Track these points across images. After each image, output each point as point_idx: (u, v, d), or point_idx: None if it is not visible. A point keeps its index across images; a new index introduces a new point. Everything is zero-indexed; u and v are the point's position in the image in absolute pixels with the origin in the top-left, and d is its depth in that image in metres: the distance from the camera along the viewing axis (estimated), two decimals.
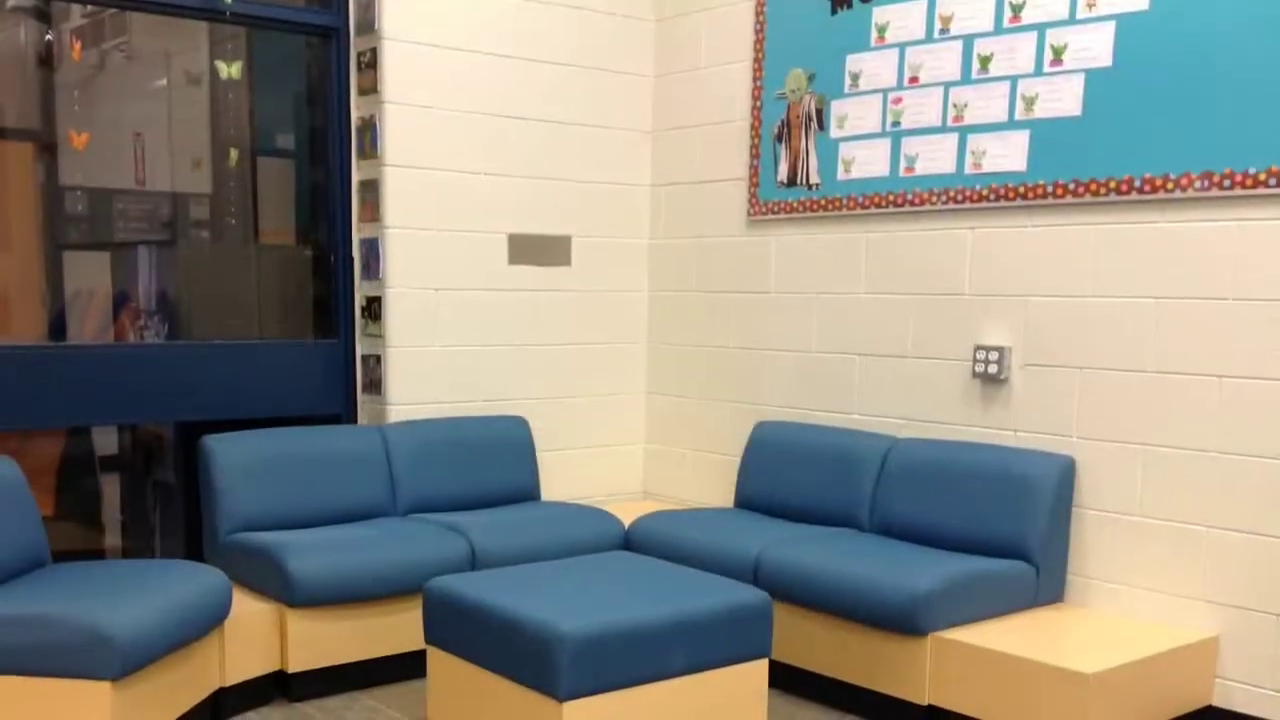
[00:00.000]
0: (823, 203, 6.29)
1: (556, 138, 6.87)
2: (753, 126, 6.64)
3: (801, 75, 6.37)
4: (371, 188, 6.30)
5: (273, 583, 5.20)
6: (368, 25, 6.22)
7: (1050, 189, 5.36)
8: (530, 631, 4.06)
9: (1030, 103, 5.43)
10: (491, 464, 6.39)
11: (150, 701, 4.42)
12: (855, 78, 6.12)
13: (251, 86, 6.90)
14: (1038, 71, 5.39)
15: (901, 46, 5.91)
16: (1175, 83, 4.95)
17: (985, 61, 5.57)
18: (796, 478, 6.12)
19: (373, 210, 6.30)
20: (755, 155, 6.63)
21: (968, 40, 5.64)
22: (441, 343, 6.50)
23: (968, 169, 5.66)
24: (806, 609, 5.29)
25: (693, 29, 7.00)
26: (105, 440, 6.97)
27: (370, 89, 6.26)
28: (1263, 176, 4.71)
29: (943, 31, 5.74)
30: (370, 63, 6.24)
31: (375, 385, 6.38)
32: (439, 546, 5.52)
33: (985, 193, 5.59)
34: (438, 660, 4.57)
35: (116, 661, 4.15)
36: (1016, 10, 5.44)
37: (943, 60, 5.75)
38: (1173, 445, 5.03)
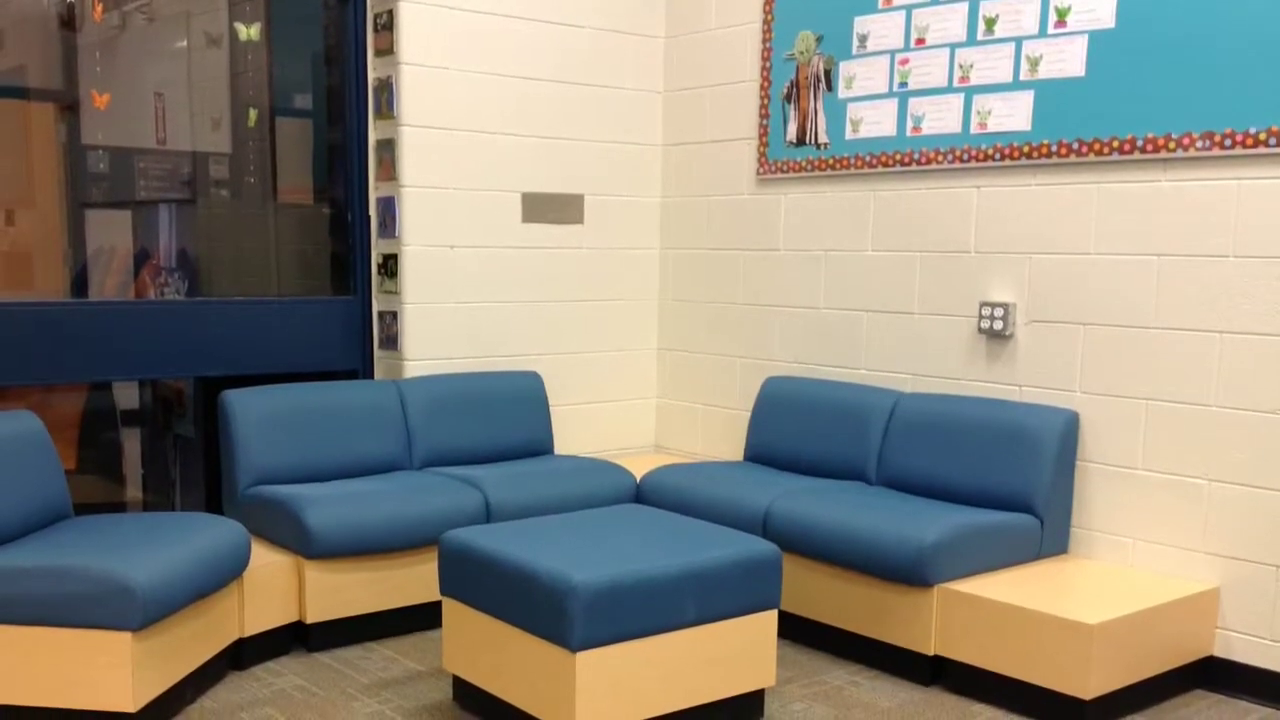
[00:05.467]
0: (831, 162, 6.22)
1: (569, 98, 6.79)
2: (762, 87, 6.56)
3: (810, 37, 6.29)
4: (388, 147, 6.23)
5: (291, 535, 5.16)
6: None
7: (1054, 148, 5.30)
8: (544, 583, 4.01)
9: (1035, 64, 5.35)
10: (506, 418, 6.34)
11: (171, 652, 4.38)
12: (863, 39, 6.04)
13: (270, 48, 6.84)
14: (1042, 33, 5.32)
15: (908, 8, 5.82)
16: (1177, 44, 4.88)
17: (990, 23, 5.49)
18: (805, 432, 6.07)
19: (389, 169, 6.24)
20: (764, 115, 6.56)
21: (973, 2, 5.55)
22: (456, 299, 6.43)
23: (973, 129, 5.59)
24: (815, 561, 5.24)
25: None
26: (126, 395, 6.93)
27: (387, 50, 6.18)
28: (1263, 136, 4.66)
29: None
30: (387, 24, 6.16)
31: (391, 341, 6.32)
32: (454, 499, 5.47)
33: (990, 152, 5.52)
34: (453, 611, 4.52)
35: (137, 612, 4.09)
36: None
37: (949, 22, 5.67)
38: (1174, 400, 4.97)
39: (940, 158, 5.73)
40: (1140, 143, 5.01)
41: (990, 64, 5.52)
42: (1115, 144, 5.09)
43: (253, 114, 6.96)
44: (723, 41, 6.81)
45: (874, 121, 6.02)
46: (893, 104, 5.94)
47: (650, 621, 4.09)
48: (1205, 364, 4.88)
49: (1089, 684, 4.40)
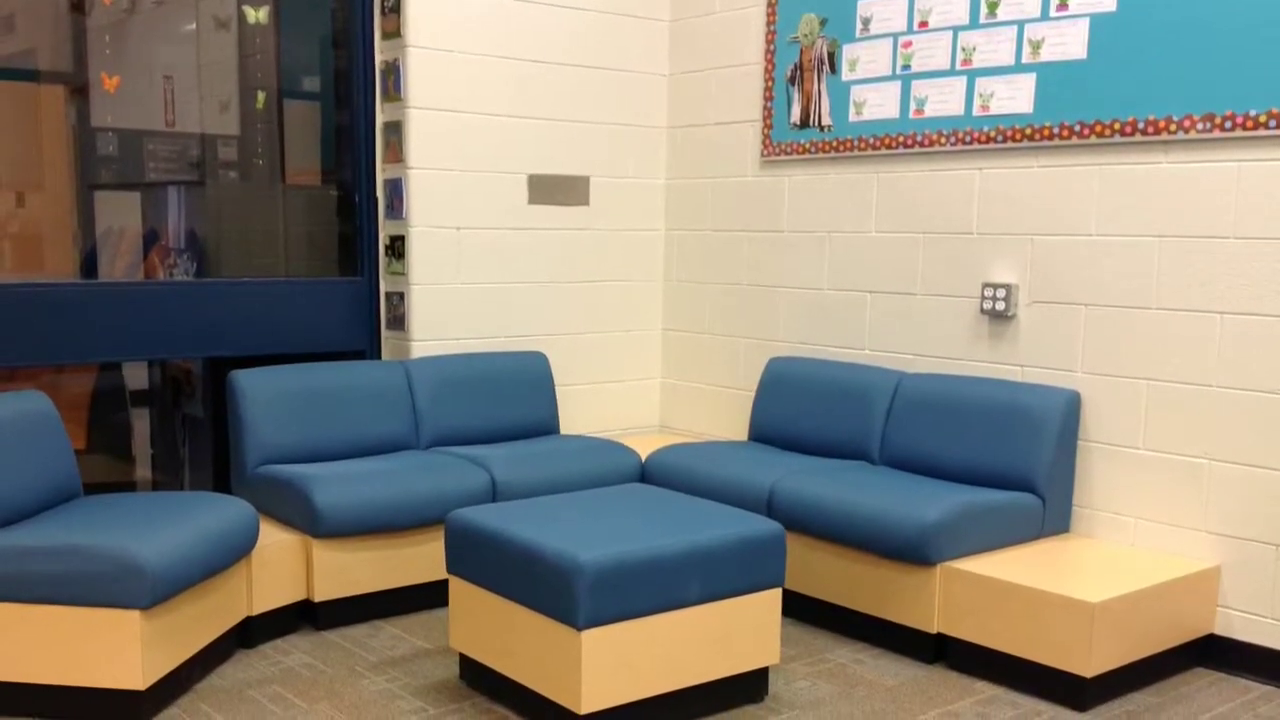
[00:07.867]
0: (834, 144, 6.18)
1: (575, 80, 6.75)
2: (766, 70, 6.52)
3: (814, 20, 6.24)
4: (395, 129, 6.19)
5: (299, 514, 5.13)
6: None
7: (1056, 130, 5.26)
8: (550, 561, 3.98)
9: (1036, 46, 5.31)
10: (512, 398, 6.31)
11: (180, 630, 4.35)
12: (866, 22, 5.99)
13: (278, 31, 6.81)
14: (1044, 16, 5.28)
15: None
16: (1178, 27, 4.85)
17: (993, 7, 5.45)
18: (809, 412, 6.04)
19: (396, 151, 6.20)
20: (769, 98, 6.51)
21: None
22: (463, 280, 6.40)
23: (976, 111, 5.56)
24: (819, 539, 5.21)
25: None
26: (136, 375, 6.91)
27: (394, 33, 6.14)
28: (1263, 119, 4.62)
29: None
30: (394, 7, 6.12)
31: (399, 322, 6.30)
32: (461, 479, 5.44)
33: (993, 134, 5.48)
34: (459, 590, 4.50)
35: (147, 591, 4.07)
36: None
37: (951, 5, 5.63)
38: (1175, 380, 4.94)
39: (943, 140, 5.69)
40: (1141, 125, 4.97)
41: (992, 47, 5.48)
42: (1116, 126, 5.05)
43: (261, 96, 6.93)
44: (727, 24, 6.77)
45: (877, 104, 5.98)
46: (896, 86, 5.90)
47: (655, 600, 4.06)
48: (1206, 344, 4.84)
49: (1090, 662, 4.38)
